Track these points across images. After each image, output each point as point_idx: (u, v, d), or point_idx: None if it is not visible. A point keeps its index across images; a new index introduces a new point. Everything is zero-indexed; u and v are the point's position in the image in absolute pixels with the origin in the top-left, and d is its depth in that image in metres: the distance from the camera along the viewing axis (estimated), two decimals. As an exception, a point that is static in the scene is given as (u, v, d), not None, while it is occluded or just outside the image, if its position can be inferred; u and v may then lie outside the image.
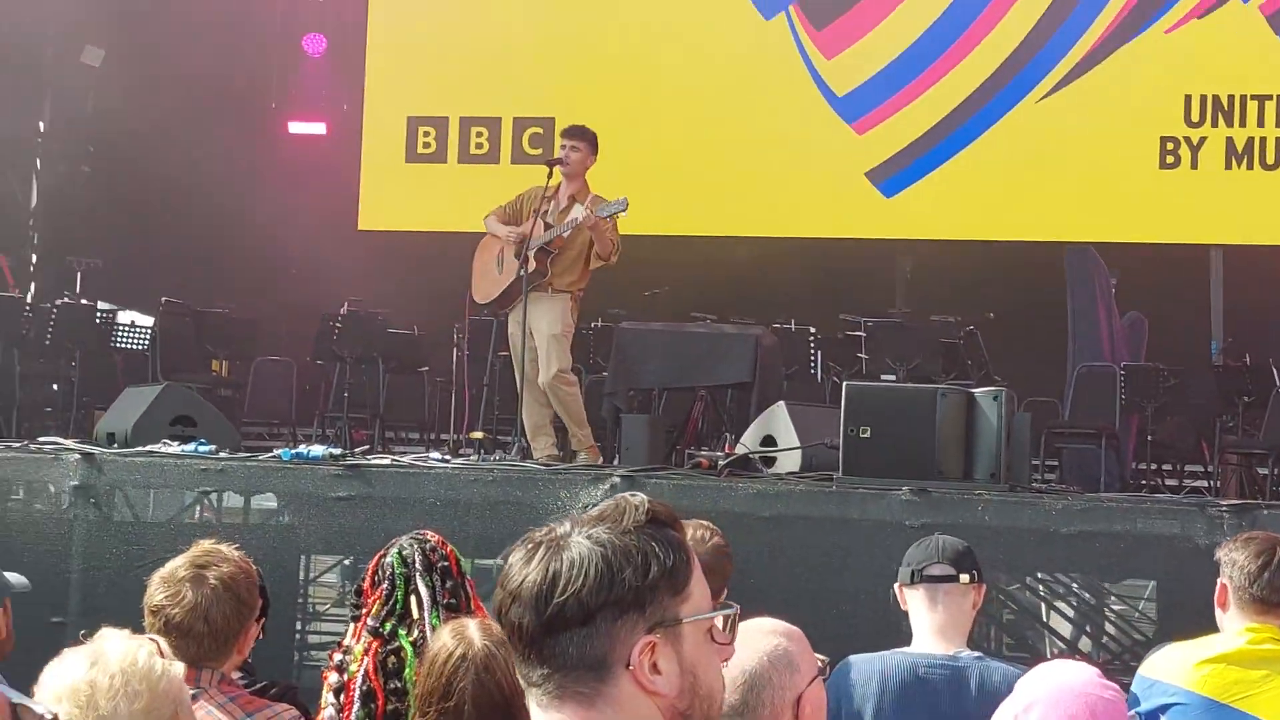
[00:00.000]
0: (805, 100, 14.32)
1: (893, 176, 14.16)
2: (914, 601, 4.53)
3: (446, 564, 4.18)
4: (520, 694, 3.43)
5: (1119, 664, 9.49)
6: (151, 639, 2.91)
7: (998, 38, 13.94)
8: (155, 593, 3.85)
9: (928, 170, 14.07)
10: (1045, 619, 9.72)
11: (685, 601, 1.93)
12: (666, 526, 1.95)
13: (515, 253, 9.66)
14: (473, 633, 3.53)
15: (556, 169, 9.81)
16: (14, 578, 4.06)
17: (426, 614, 4.08)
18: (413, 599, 4.10)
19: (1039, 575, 8.88)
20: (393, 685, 4.08)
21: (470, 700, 3.39)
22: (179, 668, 2.83)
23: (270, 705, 3.88)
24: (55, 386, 13.74)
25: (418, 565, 4.13)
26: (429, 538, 4.24)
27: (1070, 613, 9.86)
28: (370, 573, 4.20)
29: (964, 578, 4.52)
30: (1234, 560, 4.35)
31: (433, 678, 3.44)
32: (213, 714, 3.71)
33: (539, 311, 9.61)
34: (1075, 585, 9.50)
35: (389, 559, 4.18)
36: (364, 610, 4.16)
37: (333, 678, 4.07)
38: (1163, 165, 13.60)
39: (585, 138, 9.83)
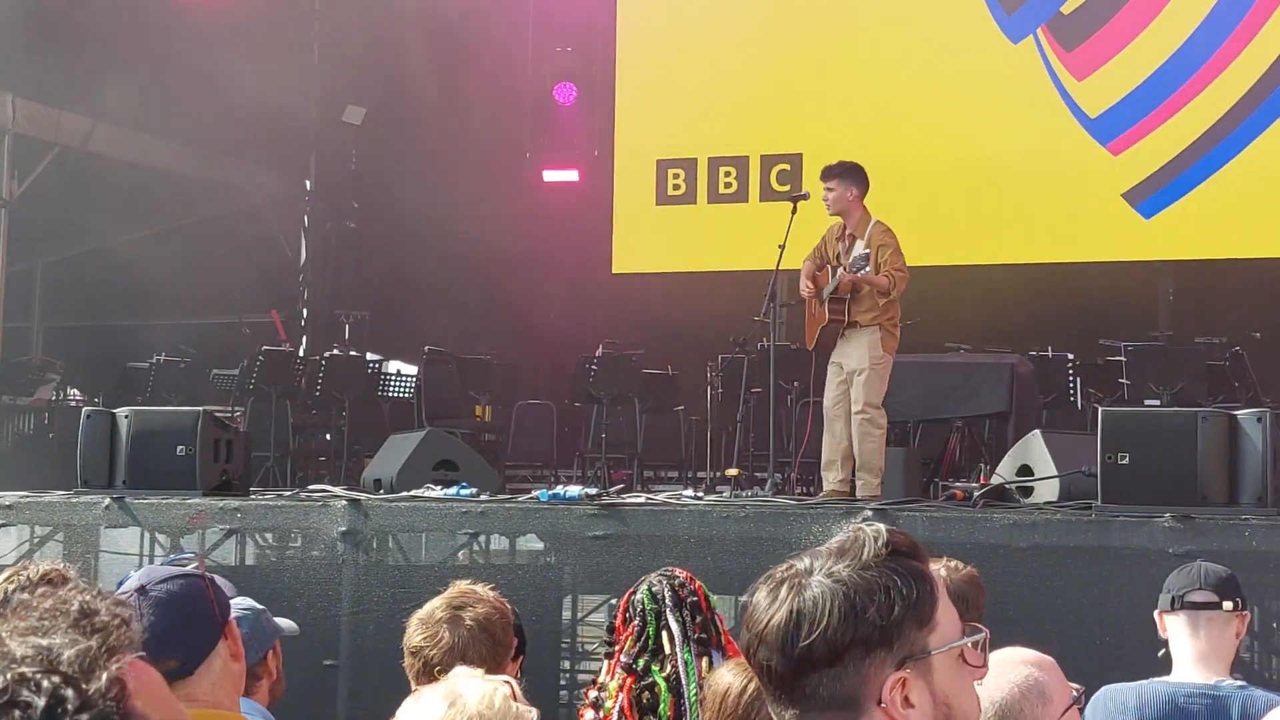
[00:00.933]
0: (1058, 123, 14.07)
1: (1151, 197, 13.81)
2: (1174, 628, 4.42)
3: (695, 599, 4.22)
4: None
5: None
6: (506, 681, 2.96)
7: (1253, 52, 13.51)
8: (414, 634, 3.94)
9: (1187, 189, 13.70)
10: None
11: (933, 632, 1.90)
12: (908, 557, 1.92)
13: (820, 301, 9.71)
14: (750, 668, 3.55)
15: (805, 204, 9.81)
16: (284, 622, 4.21)
17: (679, 649, 4.13)
18: (664, 634, 4.15)
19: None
20: (647, 720, 4.14)
21: None
22: (534, 714, 2.89)
23: None
24: (328, 436, 14.25)
25: (668, 601, 4.18)
26: (677, 574, 4.29)
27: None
28: (621, 610, 4.27)
29: (1227, 605, 4.39)
30: None
31: (726, 712, 3.46)
32: None
33: (849, 347, 9.64)
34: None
35: (639, 596, 4.24)
36: (617, 648, 4.23)
37: (589, 715, 4.15)
38: None
39: (837, 174, 9.69)
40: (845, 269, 9.44)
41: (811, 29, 14.96)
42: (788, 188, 14.45)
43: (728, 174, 15.15)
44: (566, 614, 10.06)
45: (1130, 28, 13.96)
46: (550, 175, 16.29)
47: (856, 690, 1.86)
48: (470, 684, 2.84)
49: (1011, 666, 3.22)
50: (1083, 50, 14.12)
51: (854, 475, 9.65)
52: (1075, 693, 3.26)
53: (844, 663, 1.85)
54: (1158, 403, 11.15)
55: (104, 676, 1.23)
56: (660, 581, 4.26)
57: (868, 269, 9.41)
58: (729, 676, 3.57)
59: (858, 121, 14.35)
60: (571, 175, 16.27)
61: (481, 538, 9.74)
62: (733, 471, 11.61)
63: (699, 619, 4.18)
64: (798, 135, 14.58)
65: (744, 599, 1.99)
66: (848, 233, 9.71)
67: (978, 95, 14.39)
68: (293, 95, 16.13)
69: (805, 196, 9.80)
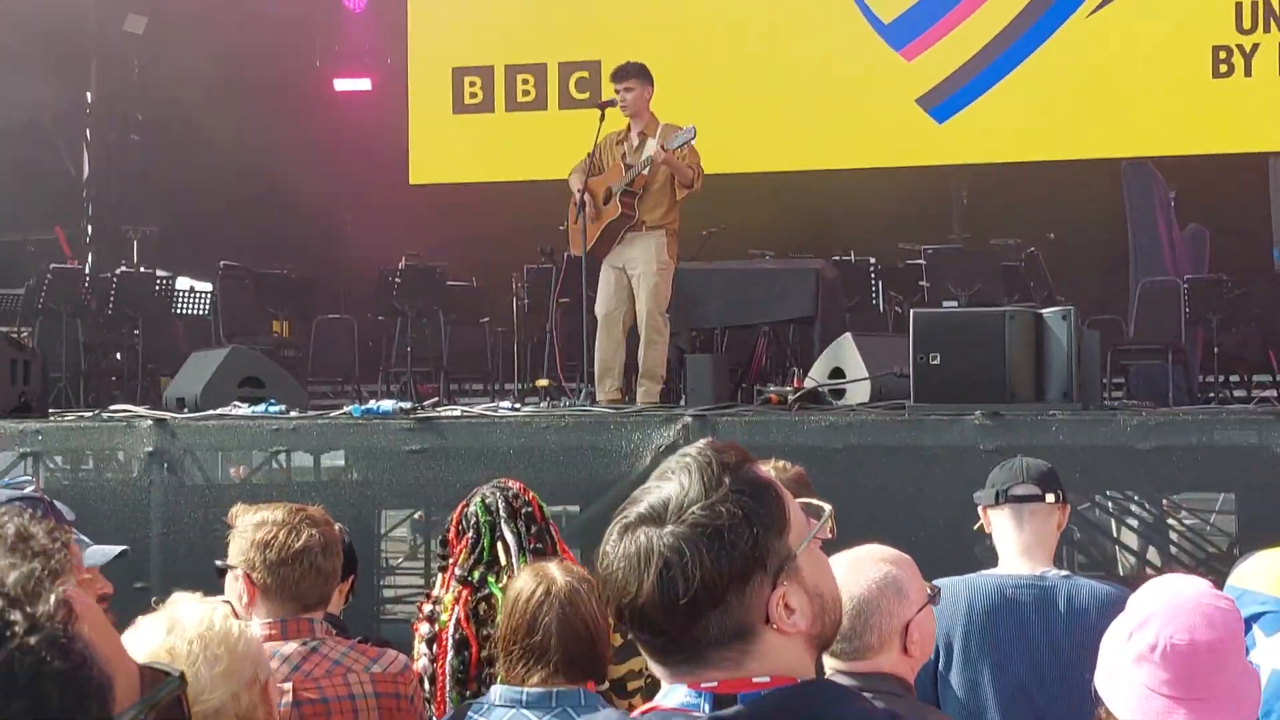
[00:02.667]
0: (853, 29, 14.19)
1: (944, 101, 14.04)
2: (999, 522, 4.51)
3: (530, 510, 4.20)
4: (605, 629, 3.48)
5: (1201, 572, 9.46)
6: (225, 601, 2.91)
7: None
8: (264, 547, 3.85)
9: (979, 93, 13.95)
10: (1116, 535, 9.70)
11: (790, 533, 1.89)
12: (741, 469, 1.90)
13: (604, 200, 9.64)
14: (553, 571, 3.56)
15: (609, 111, 9.78)
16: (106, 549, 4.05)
17: (515, 560, 4.11)
18: (499, 546, 4.13)
19: (1107, 493, 8.84)
20: (485, 632, 4.11)
21: (556, 634, 3.42)
22: (256, 628, 2.82)
23: (385, 651, 3.90)
24: (119, 355, 13.85)
25: (502, 513, 4.15)
26: (510, 485, 4.26)
27: (1139, 527, 9.83)
28: (455, 523, 4.23)
29: (1049, 497, 4.50)
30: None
31: (516, 616, 3.46)
32: (339, 664, 3.72)
33: (635, 251, 9.63)
34: (1144, 500, 9.46)
35: (472, 508, 4.20)
36: (451, 560, 4.19)
37: (424, 628, 4.11)
38: (1215, 74, 13.44)
39: (633, 75, 9.79)
40: (659, 151, 9.41)
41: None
42: (587, 95, 14.39)
43: (525, 81, 15.00)
44: (384, 529, 10.01)
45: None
46: (342, 84, 15.96)
47: (743, 619, 1.85)
48: (188, 608, 2.79)
49: (870, 563, 3.26)
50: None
51: (634, 383, 9.74)
52: (930, 590, 3.32)
53: (726, 600, 1.83)
54: (955, 304, 11.39)
55: (51, 599, 1.18)
56: (494, 493, 4.22)
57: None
58: (519, 582, 3.58)
59: (654, 28, 14.29)
60: (364, 84, 15.96)
61: (282, 455, 9.59)
62: (543, 382, 11.56)
63: (534, 529, 4.16)
64: (595, 42, 14.48)
65: (597, 559, 1.94)
66: (635, 133, 9.72)
67: (772, 1, 14.44)
68: (70, 3, 15.50)
69: (614, 103, 9.75)
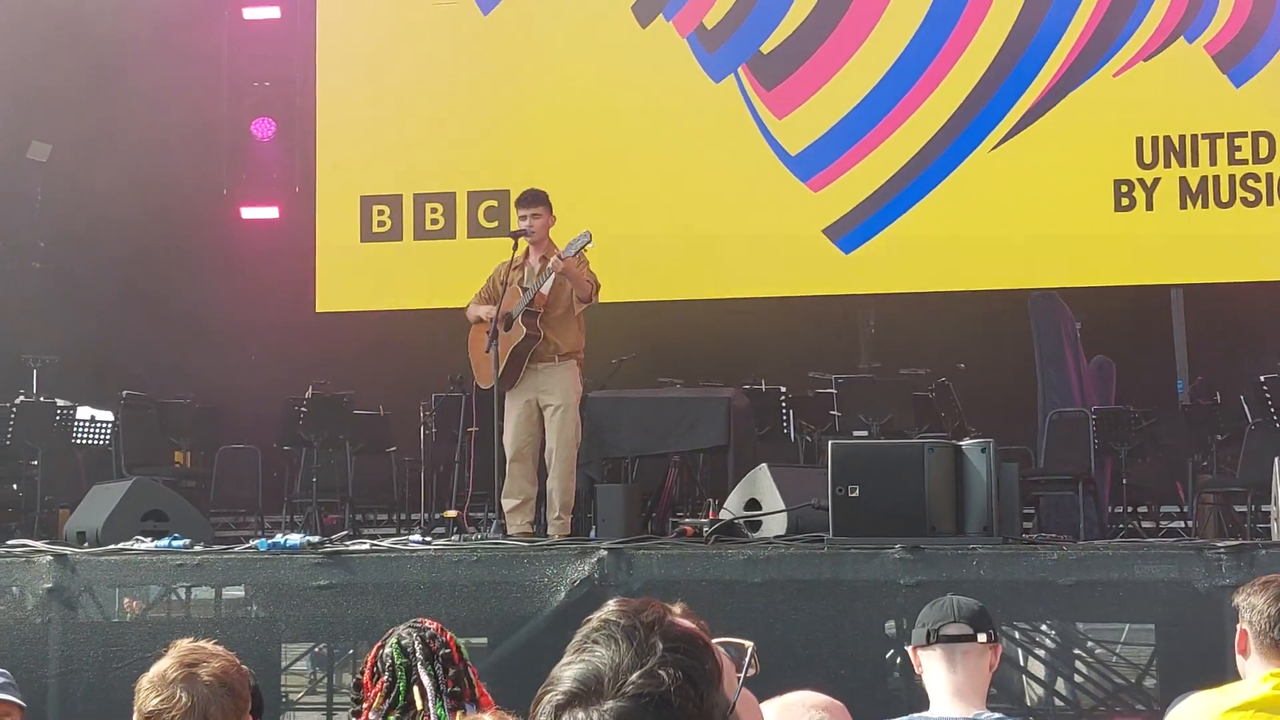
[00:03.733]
0: (760, 161, 14.32)
1: (850, 232, 14.16)
2: (930, 663, 4.43)
3: (448, 651, 4.08)
4: None
5: (1103, 710, 9.42)
6: None
7: (946, 90, 14.00)
8: (147, 699, 3.67)
9: (885, 224, 14.09)
10: (1024, 665, 9.65)
11: (724, 684, 1.79)
12: (668, 625, 1.79)
13: (505, 326, 9.59)
14: None
15: (522, 240, 9.80)
16: None
17: (431, 704, 3.99)
18: (415, 690, 4.01)
19: (1015, 623, 8.80)
20: (399, 782, 3.99)
21: None
22: None
23: None
24: (16, 487, 13.51)
25: (419, 654, 4.04)
26: (427, 625, 4.14)
27: (1047, 658, 9.79)
28: (369, 664, 4.10)
29: (981, 637, 4.43)
30: (1253, 605, 4.25)
31: None
32: None
33: (551, 382, 9.57)
34: (1056, 632, 9.44)
35: (388, 649, 4.08)
36: (365, 705, 4.06)
37: None
38: (1118, 208, 13.66)
39: (541, 202, 9.88)
40: (555, 260, 9.44)
41: (513, 66, 14.91)
42: (495, 224, 14.39)
43: (434, 210, 14.97)
44: (284, 663, 9.76)
45: (827, 67, 14.31)
46: (249, 212, 15.84)
47: None
48: None
49: (802, 711, 3.17)
50: (781, 89, 14.41)
51: (543, 514, 9.66)
52: (866, 738, 3.23)
53: None
54: (866, 433, 11.39)
55: None
56: (410, 634, 4.10)
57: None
58: None
59: (564, 158, 14.35)
60: (271, 212, 15.84)
61: (180, 590, 9.35)
62: (450, 513, 11.44)
63: (451, 672, 4.04)
64: (503, 172, 14.50)
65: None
66: (535, 258, 9.75)
67: (682, 134, 14.55)
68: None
69: (525, 232, 9.76)
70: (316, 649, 11.31)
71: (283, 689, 10.12)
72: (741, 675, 1.86)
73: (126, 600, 9.58)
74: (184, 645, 3.80)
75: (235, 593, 9.52)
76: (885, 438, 10.77)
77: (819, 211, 14.23)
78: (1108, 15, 13.81)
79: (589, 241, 9.47)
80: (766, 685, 3.16)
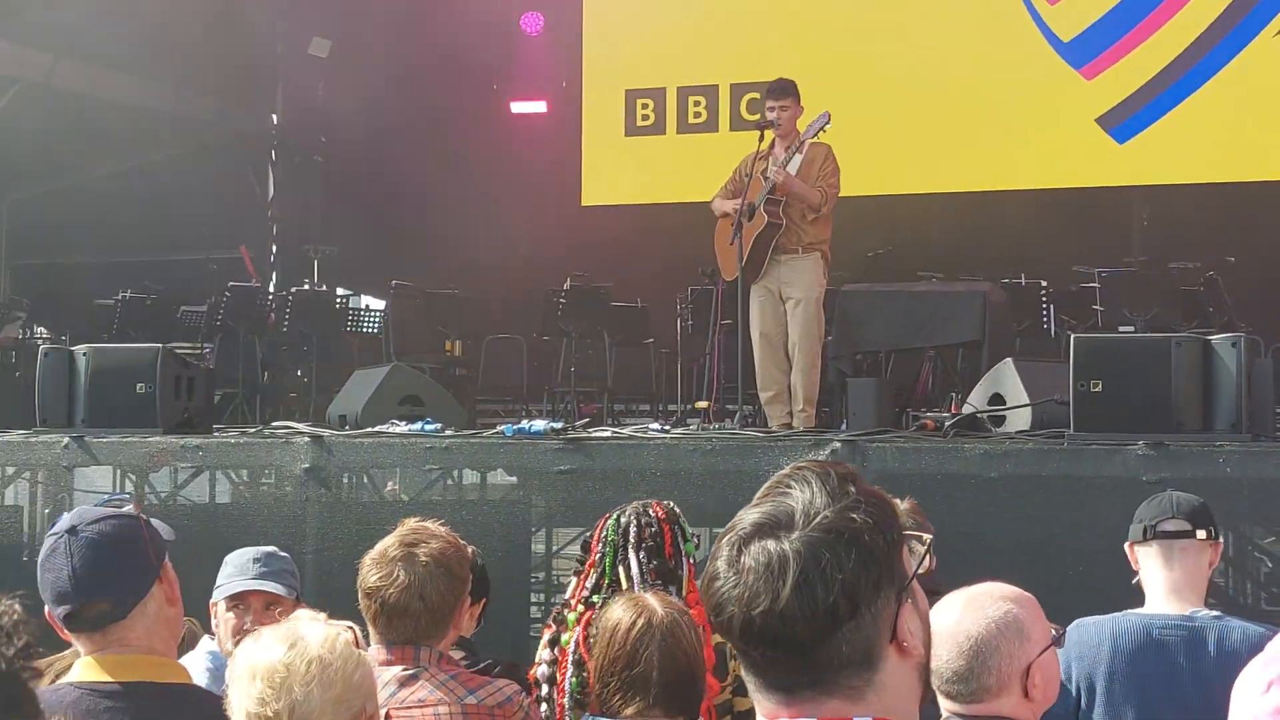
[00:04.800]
0: (1031, 48, 13.92)
1: (1125, 122, 13.69)
2: (1147, 559, 4.34)
3: (657, 543, 4.14)
4: (702, 665, 3.39)
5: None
6: (349, 627, 2.90)
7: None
8: (368, 575, 3.84)
9: (1161, 113, 13.58)
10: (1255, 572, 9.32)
11: (906, 553, 1.83)
12: (860, 481, 1.83)
13: (748, 216, 9.55)
14: (652, 603, 3.50)
15: (769, 131, 9.73)
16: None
17: (637, 588, 4.06)
18: (621, 569, 4.09)
19: (1264, 523, 8.46)
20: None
21: (657, 667, 3.35)
22: (373, 659, 2.81)
23: (492, 681, 3.85)
24: (298, 372, 14.12)
25: (631, 538, 4.11)
26: (651, 511, 4.19)
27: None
28: (598, 532, 4.20)
29: (1200, 534, 4.31)
30: None
31: (615, 646, 3.41)
32: (434, 693, 3.70)
33: (793, 274, 9.54)
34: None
35: (609, 524, 4.17)
36: (583, 573, 4.16)
37: (548, 636, 4.10)
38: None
39: (789, 94, 9.79)
40: (793, 143, 9.37)
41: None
42: (758, 116, 14.27)
43: (697, 103, 14.99)
44: (539, 548, 10.01)
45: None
46: (518, 107, 16.12)
47: (872, 636, 1.77)
48: (313, 627, 2.78)
49: (989, 601, 3.12)
50: (1056, -27, 13.95)
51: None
52: (1054, 633, 3.17)
53: (860, 611, 1.75)
54: (1131, 329, 11.05)
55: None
56: (631, 515, 4.17)
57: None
58: (619, 612, 3.51)
59: (826, 50, 14.18)
60: (540, 107, 16.10)
61: (452, 474, 9.65)
62: (702, 404, 11.52)
63: (655, 564, 4.10)
64: (767, 63, 14.34)
65: (703, 577, 1.84)
66: (782, 149, 9.66)
67: (949, 19, 14.23)
68: (258, 28, 15.89)
69: (773, 125, 9.68)
70: (586, 535, 11.58)
71: (555, 573, 10.41)
72: (920, 559, 1.86)
73: (390, 484, 9.96)
74: (409, 524, 3.96)
75: (503, 479, 9.80)
76: (1149, 333, 10.42)
77: (1092, 100, 13.79)
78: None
79: (828, 123, 9.36)
80: (999, 577, 3.15)
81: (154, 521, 3.18)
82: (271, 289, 15.47)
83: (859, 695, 1.76)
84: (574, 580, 4.25)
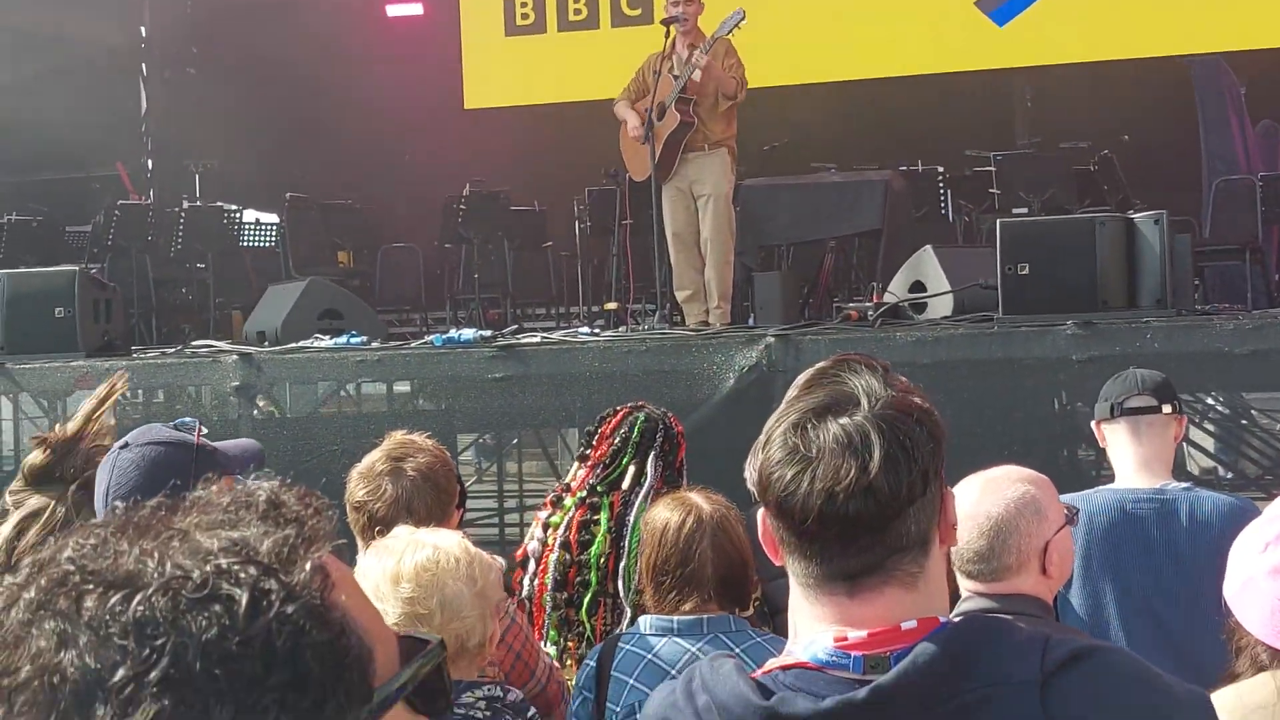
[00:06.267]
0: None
1: (1005, 4, 13.79)
2: (1115, 436, 4.44)
3: (675, 457, 4.20)
4: (751, 556, 3.46)
5: (1270, 478, 9.38)
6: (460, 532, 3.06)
7: None
8: (356, 489, 3.84)
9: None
10: (1187, 436, 9.62)
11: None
12: (894, 373, 1.84)
13: (659, 115, 9.53)
14: (698, 500, 3.56)
15: (673, 27, 9.67)
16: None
17: (638, 497, 4.12)
18: (633, 467, 4.13)
19: (1187, 395, 8.73)
20: (582, 557, 4.14)
21: (711, 563, 3.43)
22: (501, 562, 2.96)
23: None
24: (185, 290, 13.88)
25: (658, 443, 4.15)
26: (673, 423, 4.24)
27: (1216, 430, 9.73)
28: (613, 422, 4.21)
29: (1166, 408, 4.43)
30: None
31: (667, 546, 3.47)
32: None
33: (701, 172, 9.53)
34: (1218, 401, 9.36)
35: (637, 419, 4.19)
36: (590, 460, 4.20)
37: (544, 515, 4.17)
38: (1284, -38, 13.14)
39: None
40: (699, 52, 9.34)
41: None
42: (639, 11, 14.25)
43: (577, 0, 14.85)
44: (466, 455, 10.02)
45: None
46: (394, 10, 15.86)
47: (931, 516, 1.78)
48: (440, 535, 2.98)
49: (1007, 483, 3.23)
50: None
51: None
52: (1068, 511, 3.29)
53: (929, 490, 1.75)
54: (1026, 211, 11.24)
55: (306, 566, 1.12)
56: (658, 422, 4.21)
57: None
58: (666, 512, 3.57)
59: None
60: (416, 9, 15.85)
61: (351, 386, 9.59)
62: (611, 305, 11.55)
63: (667, 473, 4.17)
64: (648, -43, 14.32)
65: (755, 464, 1.83)
66: (685, 45, 9.62)
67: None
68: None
69: (678, 19, 9.62)
70: (481, 439, 11.60)
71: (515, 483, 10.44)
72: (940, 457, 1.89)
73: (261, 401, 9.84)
74: (396, 438, 3.95)
75: (402, 388, 9.76)
76: (1047, 214, 10.63)
77: None
78: None
79: (742, 19, 9.29)
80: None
81: (227, 447, 3.16)
82: (152, 205, 15.15)
83: (913, 583, 1.76)
84: (577, 466, 4.28)
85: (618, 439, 4.16)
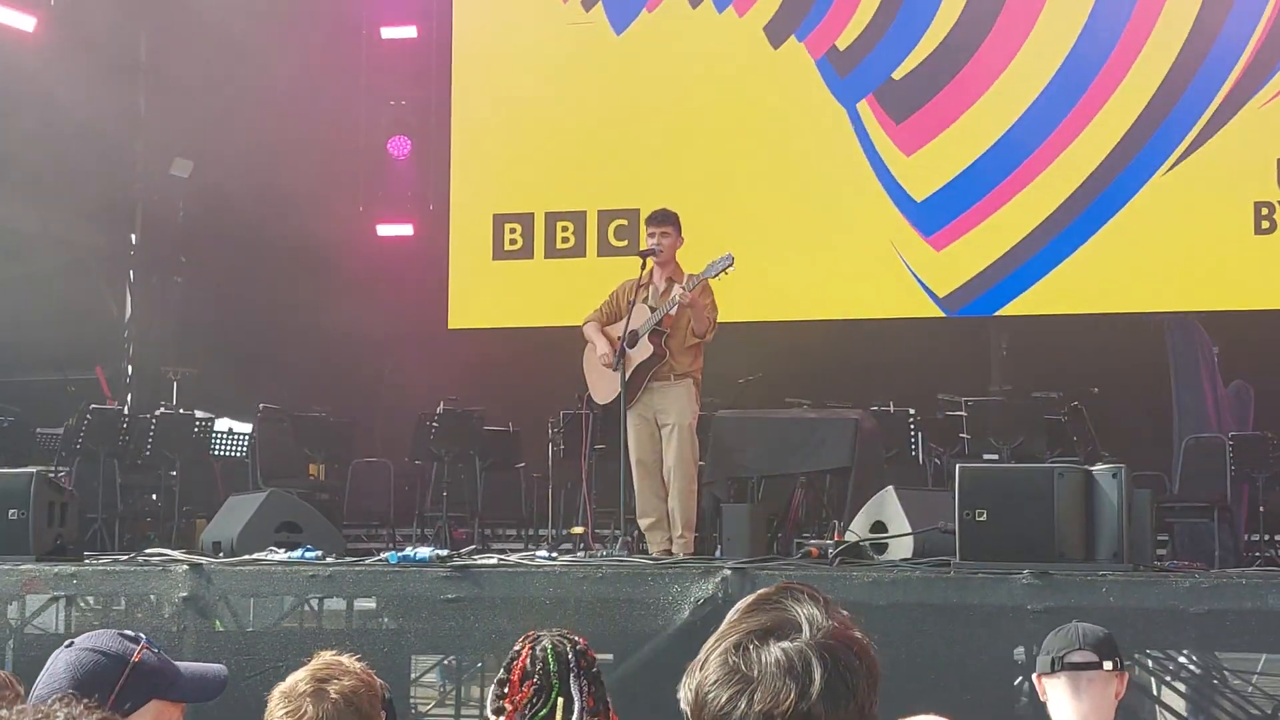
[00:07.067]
0: (882, 209, 14.19)
1: (972, 302, 13.99)
2: (1055, 691, 4.40)
3: (596, 670, 4.13)
4: None
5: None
6: None
7: (1085, 140, 13.79)
8: (276, 708, 3.74)
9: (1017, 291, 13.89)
10: (1157, 694, 9.49)
11: None
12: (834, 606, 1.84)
13: (629, 343, 9.61)
14: None
15: (650, 259, 9.81)
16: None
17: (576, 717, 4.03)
18: (560, 700, 4.05)
19: (1148, 652, 8.66)
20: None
21: None
22: None
23: None
24: (155, 496, 13.82)
25: (572, 666, 4.08)
26: (578, 640, 4.17)
27: (1184, 690, 9.60)
28: (521, 664, 4.13)
29: (1107, 665, 4.39)
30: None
31: None
32: None
33: (666, 401, 9.57)
34: (1187, 661, 9.26)
35: (543, 653, 4.12)
36: (510, 707, 4.10)
37: None
38: (1258, 230, 13.39)
39: (671, 221, 9.86)
40: (682, 289, 9.42)
41: (645, 86, 14.99)
42: (625, 242, 14.46)
43: (565, 228, 15.08)
44: (414, 675, 9.86)
45: (959, 101, 14.14)
46: (384, 229, 16.09)
47: None
48: None
49: (929, 732, 3.17)
50: (912, 122, 14.28)
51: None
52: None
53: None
54: (996, 457, 11.27)
55: None
56: (564, 643, 4.15)
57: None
58: None
59: (691, 179, 14.37)
60: (406, 229, 16.08)
61: (313, 601, 9.47)
62: (577, 530, 11.49)
63: (594, 690, 4.09)
64: (634, 191, 14.57)
65: (691, 683, 1.81)
66: (662, 277, 9.73)
67: (808, 157, 14.51)
68: (119, 148, 15.74)
69: (654, 252, 9.77)
70: (445, 661, 11.44)
71: (411, 700, 10.24)
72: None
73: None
74: (324, 658, 3.86)
75: (366, 604, 9.65)
76: (1016, 462, 10.65)
77: (940, 275, 14.01)
78: (1258, 57, 13.55)
79: (730, 264, 9.40)
80: (890, 710, 3.15)
81: (195, 666, 3.11)
82: (127, 411, 15.17)
83: None
84: (505, 700, 4.18)
85: (536, 677, 4.08)
